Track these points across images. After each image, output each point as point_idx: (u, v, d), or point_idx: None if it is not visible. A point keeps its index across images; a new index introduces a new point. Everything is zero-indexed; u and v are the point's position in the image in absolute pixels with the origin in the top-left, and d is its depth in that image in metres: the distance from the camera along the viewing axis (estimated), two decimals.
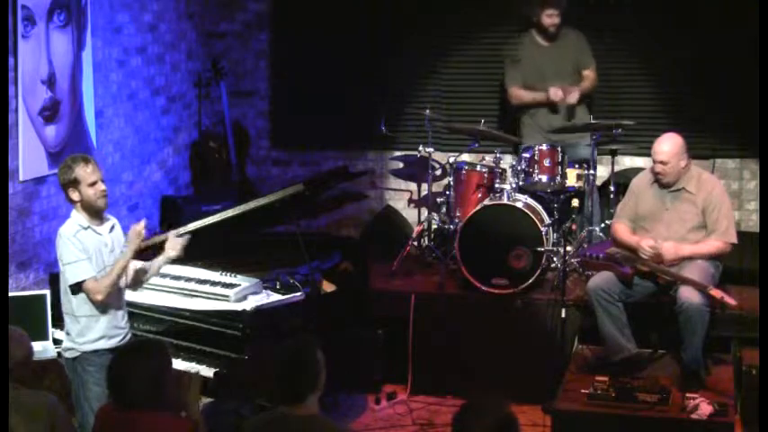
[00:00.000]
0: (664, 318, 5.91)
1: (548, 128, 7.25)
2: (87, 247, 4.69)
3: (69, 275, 4.68)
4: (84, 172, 4.68)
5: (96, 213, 4.77)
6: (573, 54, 7.38)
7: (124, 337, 4.85)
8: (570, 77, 7.37)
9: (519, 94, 7.40)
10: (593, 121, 6.94)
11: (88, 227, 4.72)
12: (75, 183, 4.68)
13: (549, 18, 7.24)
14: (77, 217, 4.74)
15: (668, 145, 5.87)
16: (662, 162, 5.86)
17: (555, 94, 7.13)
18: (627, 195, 6.15)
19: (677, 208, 5.91)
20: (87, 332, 4.73)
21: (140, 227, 4.83)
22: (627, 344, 5.82)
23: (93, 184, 4.69)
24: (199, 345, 5.19)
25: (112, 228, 4.86)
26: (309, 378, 3.66)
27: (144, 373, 3.67)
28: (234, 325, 5.10)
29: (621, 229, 6.02)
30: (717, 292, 5.51)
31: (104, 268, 4.75)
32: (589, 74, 7.42)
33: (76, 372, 4.76)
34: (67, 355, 4.80)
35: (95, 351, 4.71)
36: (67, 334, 4.80)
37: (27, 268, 5.94)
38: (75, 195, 4.70)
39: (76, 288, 4.70)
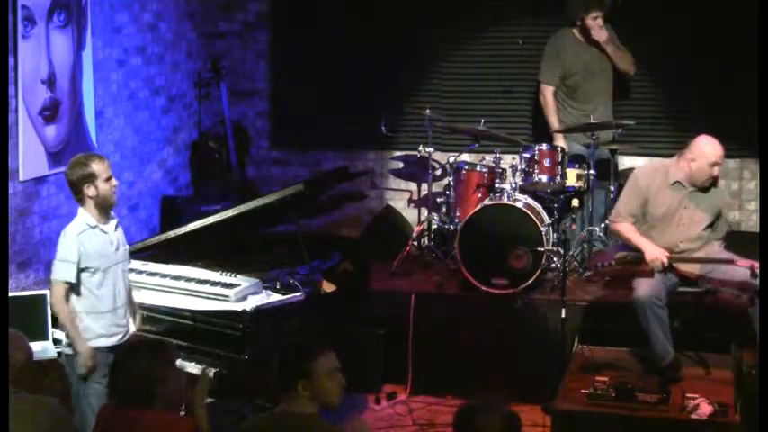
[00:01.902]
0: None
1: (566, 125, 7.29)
2: (87, 250, 4.73)
3: (54, 269, 4.75)
4: (101, 167, 4.74)
5: (106, 210, 4.82)
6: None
7: (124, 336, 4.88)
8: (610, 73, 7.40)
9: (549, 103, 7.37)
10: (593, 122, 6.95)
11: (96, 226, 4.77)
12: (91, 177, 4.71)
13: (594, 21, 7.22)
14: (85, 216, 4.77)
15: (720, 146, 5.75)
16: (719, 164, 5.75)
17: None
18: (630, 193, 5.95)
19: (694, 207, 5.81)
20: (89, 330, 4.76)
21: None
22: (671, 348, 5.74)
23: (108, 179, 4.76)
24: (199, 345, 5.19)
25: (116, 226, 4.91)
26: (293, 372, 3.59)
27: (144, 373, 3.66)
28: (234, 325, 5.10)
29: (629, 229, 5.85)
30: (746, 262, 5.51)
31: (110, 267, 4.80)
32: (626, 57, 7.43)
33: (77, 368, 4.77)
34: (68, 351, 4.82)
35: (95, 348, 4.74)
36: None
37: (27, 268, 5.94)
38: (90, 191, 4.72)
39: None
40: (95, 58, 6.67)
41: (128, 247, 5.03)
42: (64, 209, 6.30)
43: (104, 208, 4.80)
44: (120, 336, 4.85)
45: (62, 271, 4.71)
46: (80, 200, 4.78)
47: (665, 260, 5.65)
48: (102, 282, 4.78)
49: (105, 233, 4.81)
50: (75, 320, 4.75)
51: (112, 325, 4.82)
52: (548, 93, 7.39)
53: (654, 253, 5.67)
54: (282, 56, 8.43)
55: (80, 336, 4.74)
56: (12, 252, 5.71)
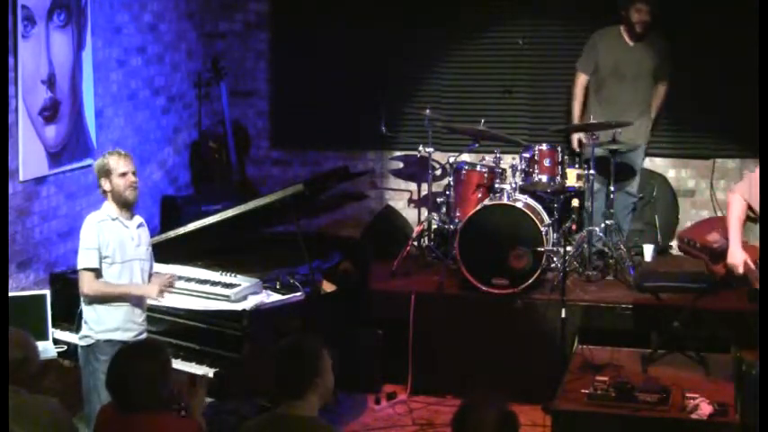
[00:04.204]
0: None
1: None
2: (107, 238, 4.80)
3: (78, 259, 4.81)
4: (116, 163, 4.86)
5: (125, 205, 4.88)
6: (655, 60, 7.30)
7: (139, 334, 4.92)
8: (646, 82, 7.33)
9: (579, 90, 7.36)
10: (592, 122, 6.94)
11: (116, 218, 4.85)
12: (107, 172, 4.85)
13: (638, 13, 7.13)
14: (108, 208, 4.88)
15: None
16: None
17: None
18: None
19: None
20: (104, 321, 4.81)
21: (171, 280, 5.03)
22: None
23: (123, 175, 4.85)
24: (199, 345, 5.19)
25: (140, 225, 4.98)
26: (309, 371, 3.59)
27: (144, 375, 3.65)
28: (234, 325, 5.10)
29: (738, 211, 5.35)
30: None
31: (129, 260, 4.86)
32: (661, 89, 7.41)
33: (88, 360, 4.83)
34: (82, 342, 4.88)
35: (109, 341, 4.78)
36: (85, 322, 4.88)
37: (27, 268, 5.94)
38: (106, 185, 4.85)
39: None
40: (95, 58, 6.67)
41: (151, 249, 5.05)
42: (64, 209, 6.31)
43: (122, 203, 4.87)
44: (135, 333, 4.88)
45: (85, 259, 4.79)
46: (103, 194, 4.90)
47: (742, 271, 5.33)
48: (119, 274, 4.85)
49: (126, 227, 4.89)
50: (111, 285, 4.80)
51: (128, 320, 4.86)
52: (578, 80, 7.37)
53: (736, 258, 5.33)
54: (282, 56, 8.44)
55: (129, 286, 4.84)
56: (12, 252, 5.71)
